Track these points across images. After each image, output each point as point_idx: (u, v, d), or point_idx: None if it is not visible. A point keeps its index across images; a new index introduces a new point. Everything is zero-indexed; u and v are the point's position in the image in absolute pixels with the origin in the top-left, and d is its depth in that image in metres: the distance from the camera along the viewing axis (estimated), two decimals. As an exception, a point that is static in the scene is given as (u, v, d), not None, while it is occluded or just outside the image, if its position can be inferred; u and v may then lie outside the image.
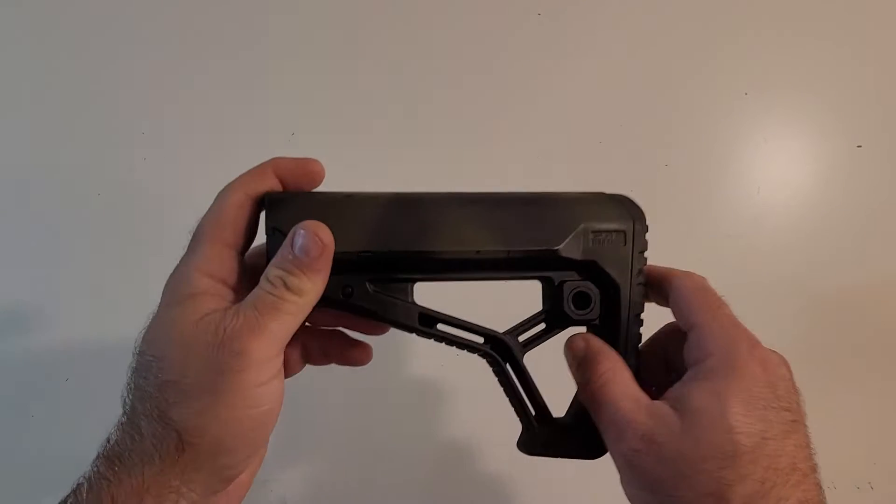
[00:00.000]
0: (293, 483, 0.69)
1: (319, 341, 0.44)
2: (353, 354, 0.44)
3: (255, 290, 0.35)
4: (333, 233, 0.37)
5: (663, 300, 0.41)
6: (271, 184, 0.39)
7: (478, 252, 0.39)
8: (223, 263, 0.37)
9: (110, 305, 0.70)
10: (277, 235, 0.37)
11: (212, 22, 0.77)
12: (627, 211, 0.41)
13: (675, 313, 0.40)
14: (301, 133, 0.75)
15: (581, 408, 0.41)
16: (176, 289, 0.36)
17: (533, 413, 0.42)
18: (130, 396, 0.35)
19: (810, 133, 0.77)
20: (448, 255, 0.39)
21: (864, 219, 0.75)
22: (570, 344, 0.41)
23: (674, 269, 0.42)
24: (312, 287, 0.36)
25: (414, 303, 0.41)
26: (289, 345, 0.37)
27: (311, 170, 0.41)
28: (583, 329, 0.42)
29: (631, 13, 0.78)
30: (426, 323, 0.41)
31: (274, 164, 0.40)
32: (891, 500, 0.63)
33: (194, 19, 0.77)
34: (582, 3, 0.78)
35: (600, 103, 0.77)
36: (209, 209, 0.38)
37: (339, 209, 0.39)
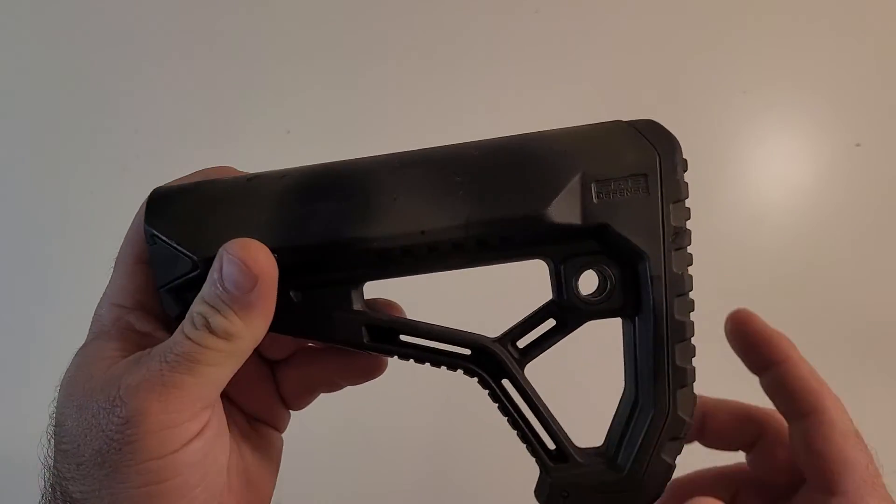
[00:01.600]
0: (290, 484, 0.69)
1: (303, 370, 0.35)
2: (364, 363, 0.35)
3: (174, 334, 0.28)
4: (230, 230, 0.28)
5: (761, 364, 0.35)
6: None
7: (423, 233, 0.28)
8: (141, 286, 0.30)
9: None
10: (159, 245, 0.29)
11: (206, 20, 0.76)
12: (648, 142, 0.29)
13: (782, 393, 0.34)
14: (296, 131, 0.74)
15: (626, 440, 0.30)
16: (90, 329, 0.31)
17: (548, 448, 0.31)
18: (49, 466, 0.29)
19: (809, 131, 0.77)
20: (383, 242, 0.28)
21: (863, 217, 0.75)
22: None
23: (780, 336, 0.35)
24: (246, 328, 0.27)
25: (360, 312, 0.30)
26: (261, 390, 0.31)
27: None
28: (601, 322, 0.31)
29: (629, 11, 0.78)
30: (380, 337, 0.30)
31: (205, 174, 0.33)
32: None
33: (189, 17, 0.76)
34: (579, 0, 0.78)
35: (598, 101, 0.76)
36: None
37: (236, 198, 0.29)
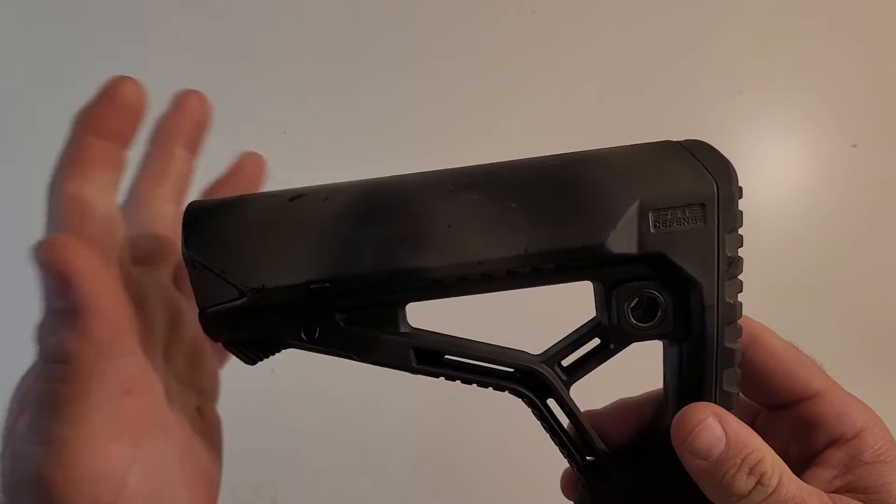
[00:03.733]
0: (285, 486, 0.69)
1: None
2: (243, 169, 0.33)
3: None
4: (277, 260, 0.26)
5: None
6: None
7: (479, 263, 0.27)
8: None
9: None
10: (202, 270, 0.27)
11: (204, 20, 0.76)
12: (705, 169, 0.28)
13: (763, 378, 0.32)
14: (292, 132, 0.74)
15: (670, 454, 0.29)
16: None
17: (591, 463, 0.31)
18: None
19: (805, 133, 0.77)
20: (438, 272, 0.27)
21: (860, 218, 0.75)
22: (695, 436, 0.28)
23: (747, 318, 0.32)
24: (83, 343, 0.24)
25: (406, 333, 0.29)
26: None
27: (247, 171, 0.31)
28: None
29: (625, 11, 0.78)
30: (427, 360, 0.30)
31: (238, 167, 0.31)
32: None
33: (186, 17, 0.76)
34: (576, 0, 0.78)
35: (594, 102, 0.76)
36: None
37: (280, 222, 0.28)
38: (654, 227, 0.27)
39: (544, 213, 0.27)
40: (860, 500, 0.28)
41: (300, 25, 0.77)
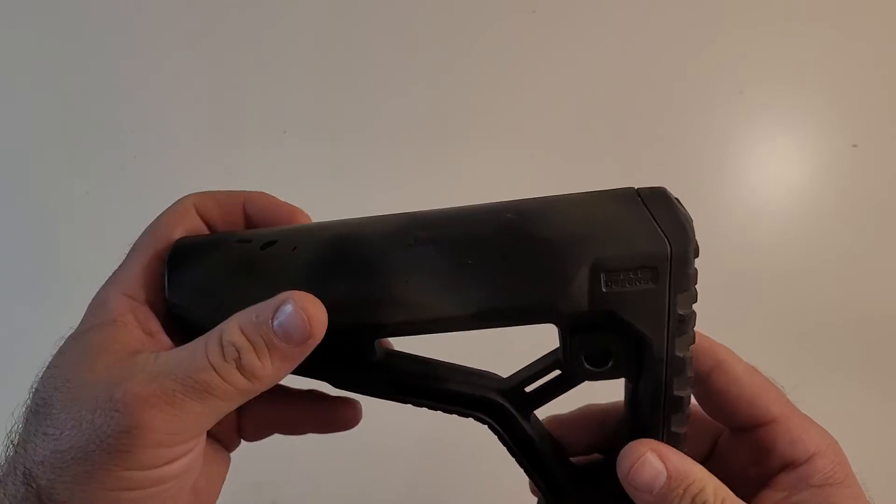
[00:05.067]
0: (285, 485, 0.68)
1: (278, 407, 0.35)
2: (335, 415, 0.36)
3: (195, 347, 0.27)
4: (245, 300, 0.28)
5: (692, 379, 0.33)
6: (230, 221, 0.32)
7: (435, 320, 0.29)
8: (155, 283, 0.30)
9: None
10: (182, 315, 0.30)
11: (203, 19, 0.76)
12: (660, 229, 0.28)
13: (725, 401, 0.33)
14: (292, 131, 0.74)
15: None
16: (90, 312, 0.30)
17: (550, 481, 0.33)
18: (13, 442, 0.28)
19: (805, 132, 0.77)
20: (395, 327, 0.29)
21: (860, 218, 0.75)
22: (636, 472, 0.29)
23: (709, 342, 0.33)
24: (271, 375, 0.27)
25: (377, 364, 0.32)
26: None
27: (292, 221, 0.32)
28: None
29: (625, 11, 0.78)
30: (395, 390, 0.32)
31: (247, 199, 0.33)
32: (891, 500, 0.63)
33: (186, 17, 0.76)
34: (577, 0, 0.78)
35: (594, 102, 0.76)
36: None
37: (253, 271, 0.29)
38: (606, 286, 0.28)
39: (499, 272, 0.28)
40: None
41: (300, 25, 0.77)
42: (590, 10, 0.78)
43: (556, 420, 0.36)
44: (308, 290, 0.28)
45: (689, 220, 0.28)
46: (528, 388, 0.33)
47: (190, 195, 0.33)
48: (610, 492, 0.31)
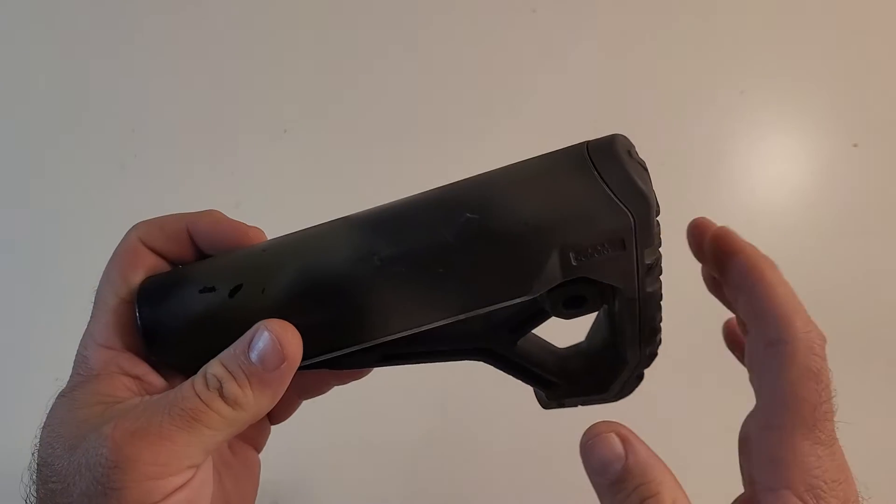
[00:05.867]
0: (285, 485, 0.68)
1: (296, 376, 0.34)
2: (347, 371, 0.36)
3: (182, 385, 0.28)
4: (225, 340, 0.28)
5: (720, 269, 0.33)
6: (177, 248, 0.32)
7: (419, 328, 0.30)
8: (128, 327, 0.30)
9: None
10: (163, 367, 0.31)
11: (202, 19, 0.76)
12: (619, 202, 0.28)
13: (744, 301, 0.32)
14: (293, 130, 0.74)
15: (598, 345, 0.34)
16: (74, 370, 0.30)
17: (545, 383, 0.35)
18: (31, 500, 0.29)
19: (806, 132, 0.77)
20: (383, 340, 0.30)
21: (860, 218, 0.75)
22: (592, 448, 0.27)
23: (760, 257, 0.32)
24: (255, 404, 0.28)
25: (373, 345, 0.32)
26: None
27: (244, 244, 0.31)
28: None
29: (626, 10, 0.78)
30: (392, 359, 0.33)
31: (191, 223, 0.32)
32: (891, 500, 0.63)
33: (186, 16, 0.76)
34: None
35: (595, 101, 0.76)
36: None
37: (226, 319, 0.29)
38: (576, 260, 0.28)
39: (471, 276, 0.29)
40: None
41: (300, 24, 0.77)
42: (590, 9, 0.78)
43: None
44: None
45: (645, 180, 0.29)
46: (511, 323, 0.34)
47: (133, 229, 0.32)
48: (591, 381, 0.35)
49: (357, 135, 0.74)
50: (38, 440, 0.29)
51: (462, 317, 0.29)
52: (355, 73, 0.76)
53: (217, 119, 0.74)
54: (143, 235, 0.32)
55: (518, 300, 0.29)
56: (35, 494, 0.28)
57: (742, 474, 0.32)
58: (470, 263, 0.28)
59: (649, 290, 0.30)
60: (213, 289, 0.30)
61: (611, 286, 0.30)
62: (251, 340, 0.28)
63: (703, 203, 0.74)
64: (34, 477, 0.28)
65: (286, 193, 0.71)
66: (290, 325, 0.28)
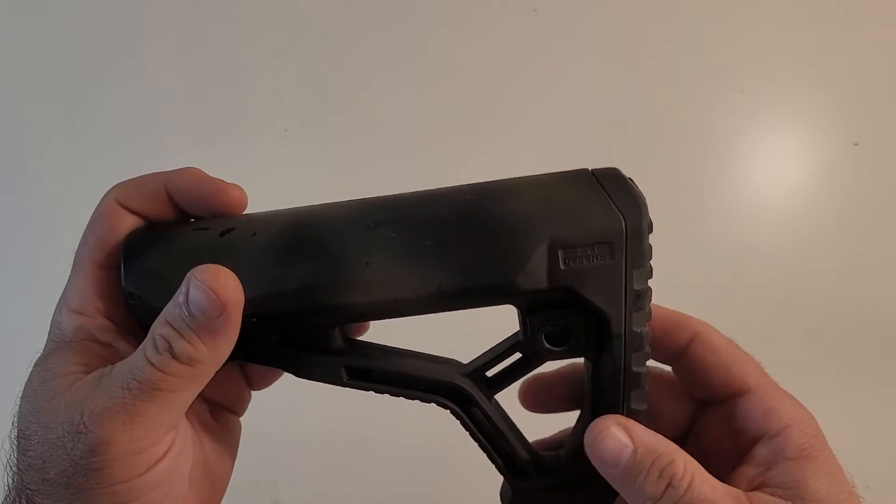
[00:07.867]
0: (286, 484, 0.68)
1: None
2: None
3: (135, 354, 0.27)
4: None
5: (672, 352, 0.34)
6: (156, 207, 0.31)
7: (395, 301, 0.29)
8: (102, 293, 0.30)
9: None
10: (140, 302, 0.29)
11: (204, 18, 0.76)
12: (614, 205, 0.29)
13: (702, 371, 0.33)
14: (293, 129, 0.74)
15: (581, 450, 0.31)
16: (49, 336, 0.30)
17: (512, 465, 0.33)
18: (10, 473, 0.29)
19: (807, 131, 0.77)
20: (356, 308, 0.29)
21: (861, 217, 0.75)
22: (600, 444, 0.29)
23: (686, 316, 0.33)
24: (210, 355, 0.27)
25: (338, 351, 0.31)
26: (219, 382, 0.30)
27: (224, 201, 0.31)
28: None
29: (627, 9, 0.78)
30: (357, 376, 0.32)
31: (169, 181, 0.31)
32: (888, 501, 0.63)
33: (187, 15, 0.76)
34: (577, -1, 0.78)
35: (596, 101, 0.76)
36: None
37: (211, 257, 0.28)
38: (564, 263, 0.28)
39: (458, 251, 0.29)
40: (778, 497, 0.28)
41: (300, 24, 0.77)
42: (591, 8, 0.77)
43: (538, 378, 0.36)
44: (269, 274, 0.29)
45: (642, 197, 0.29)
46: (490, 373, 0.33)
47: (110, 190, 0.32)
48: (572, 482, 0.32)
49: (357, 134, 0.74)
50: (16, 408, 0.28)
51: (436, 301, 0.29)
52: (355, 73, 0.76)
53: (217, 119, 0.74)
54: (121, 197, 0.31)
55: (498, 296, 0.29)
56: (15, 463, 0.28)
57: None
58: (458, 238, 0.29)
59: (636, 329, 0.29)
60: (205, 228, 0.30)
61: (596, 324, 0.30)
62: (186, 293, 0.26)
63: (704, 202, 0.74)
64: (14, 446, 0.28)
65: (286, 193, 0.71)
66: (222, 267, 0.27)
